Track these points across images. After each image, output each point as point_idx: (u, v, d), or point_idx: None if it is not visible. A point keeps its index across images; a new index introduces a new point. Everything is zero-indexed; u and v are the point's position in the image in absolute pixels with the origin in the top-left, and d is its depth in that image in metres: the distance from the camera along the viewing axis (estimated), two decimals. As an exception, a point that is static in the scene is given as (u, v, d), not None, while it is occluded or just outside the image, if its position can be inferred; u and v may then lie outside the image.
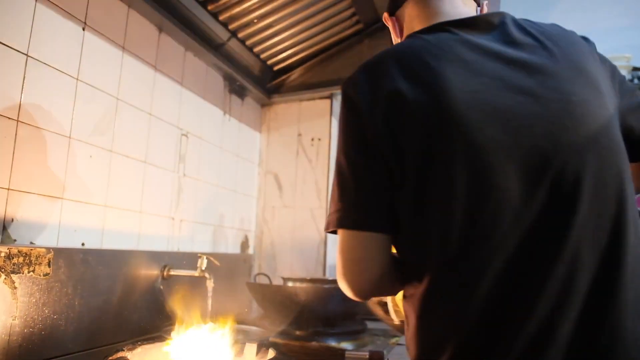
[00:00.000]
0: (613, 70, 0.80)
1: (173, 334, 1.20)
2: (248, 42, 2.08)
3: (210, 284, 1.52)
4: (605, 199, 0.68)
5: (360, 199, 0.74)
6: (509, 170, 0.67)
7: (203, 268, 1.55)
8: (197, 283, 1.65)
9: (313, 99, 2.40)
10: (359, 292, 0.79)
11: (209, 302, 1.51)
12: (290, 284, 1.78)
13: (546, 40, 0.74)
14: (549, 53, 0.72)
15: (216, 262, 1.59)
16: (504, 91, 0.69)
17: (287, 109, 2.45)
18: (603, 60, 0.80)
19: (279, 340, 1.50)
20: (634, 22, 1.95)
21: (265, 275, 2.15)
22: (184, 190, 1.84)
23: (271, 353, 1.16)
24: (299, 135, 2.40)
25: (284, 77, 2.40)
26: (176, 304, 1.44)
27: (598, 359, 0.62)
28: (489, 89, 0.69)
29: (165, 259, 1.61)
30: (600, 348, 0.62)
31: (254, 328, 1.64)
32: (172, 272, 1.58)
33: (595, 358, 0.63)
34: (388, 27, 0.97)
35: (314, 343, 1.49)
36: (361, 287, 0.78)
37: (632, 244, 0.67)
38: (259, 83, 2.31)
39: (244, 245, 2.28)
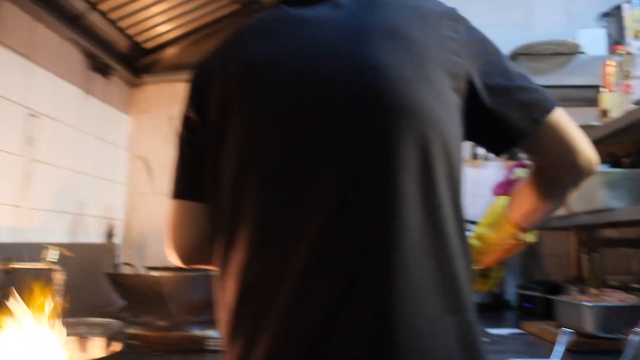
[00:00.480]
0: (472, 40, 0.72)
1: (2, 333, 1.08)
2: (111, 16, 1.93)
3: (59, 276, 1.39)
4: (378, 165, 0.63)
5: (178, 170, 0.81)
6: (282, 140, 0.67)
7: (51, 259, 1.42)
8: (48, 276, 1.51)
9: (187, 80, 2.29)
10: (180, 258, 0.82)
11: (58, 296, 1.39)
12: (155, 273, 1.71)
13: (366, 6, 0.71)
14: (361, 18, 0.70)
15: (68, 253, 1.47)
16: (302, 59, 0.68)
17: (159, 90, 2.33)
18: (456, 29, 0.71)
19: (137, 332, 1.43)
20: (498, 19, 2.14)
21: (130, 264, 2.04)
22: (34, 177, 1.67)
23: (118, 346, 1.09)
24: (172, 118, 2.29)
25: (155, 56, 2.28)
26: (17, 300, 1.30)
27: (363, 342, 0.60)
28: (289, 58, 0.69)
29: (8, 252, 1.45)
30: (368, 331, 0.60)
31: (113, 321, 1.55)
32: (15, 265, 1.43)
33: (360, 341, 0.60)
34: (265, 9, 0.95)
35: (175, 333, 1.44)
36: (179, 252, 0.82)
37: (414, 221, 0.62)
38: (126, 61, 2.17)
39: (109, 234, 2.14)
